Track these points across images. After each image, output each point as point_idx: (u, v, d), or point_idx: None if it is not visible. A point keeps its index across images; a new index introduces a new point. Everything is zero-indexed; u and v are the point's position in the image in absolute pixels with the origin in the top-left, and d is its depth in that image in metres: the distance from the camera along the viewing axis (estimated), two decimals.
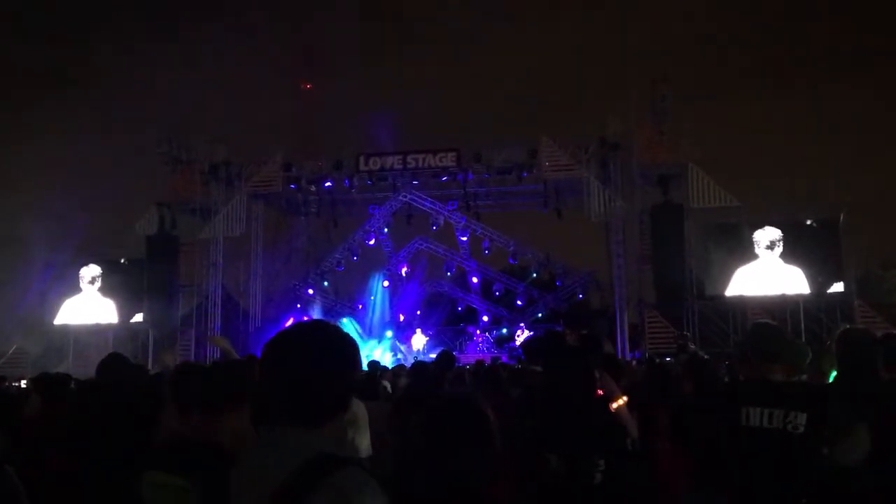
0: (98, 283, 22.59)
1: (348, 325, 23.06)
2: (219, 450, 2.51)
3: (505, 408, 4.51)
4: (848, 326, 4.43)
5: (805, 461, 3.20)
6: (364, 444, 4.89)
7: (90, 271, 22.66)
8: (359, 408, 4.96)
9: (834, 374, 4.72)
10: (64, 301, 22.61)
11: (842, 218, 19.58)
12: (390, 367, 12.34)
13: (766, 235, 19.44)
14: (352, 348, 1.90)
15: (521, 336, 23.66)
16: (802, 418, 3.22)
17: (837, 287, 19.05)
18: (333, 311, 24.24)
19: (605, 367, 4.64)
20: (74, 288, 22.67)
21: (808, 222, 19.72)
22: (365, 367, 8.72)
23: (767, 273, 19.34)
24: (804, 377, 4.44)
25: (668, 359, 13.21)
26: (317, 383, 1.80)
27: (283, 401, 1.80)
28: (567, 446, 3.91)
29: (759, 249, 19.49)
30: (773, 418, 3.27)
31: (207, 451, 2.47)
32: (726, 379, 6.62)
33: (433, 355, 14.03)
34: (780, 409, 3.27)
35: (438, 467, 1.90)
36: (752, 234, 19.55)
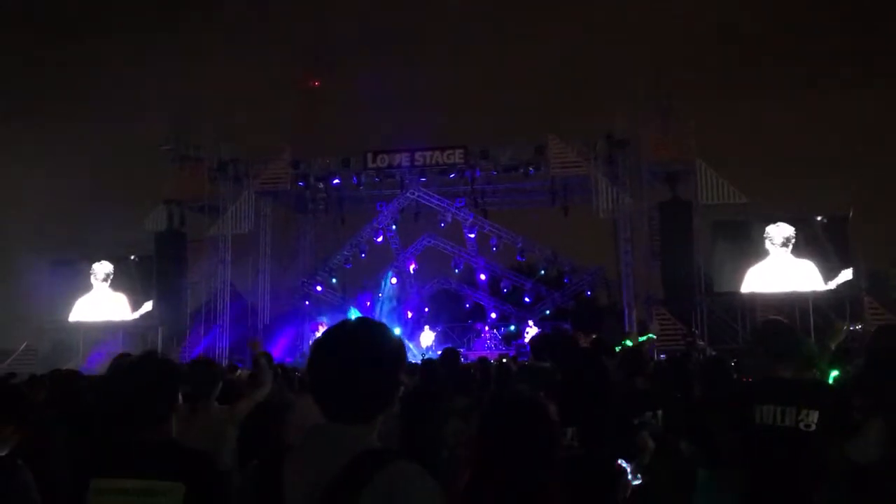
0: (110, 280, 22.70)
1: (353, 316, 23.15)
2: (201, 452, 2.52)
3: None
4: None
5: (817, 459, 3.19)
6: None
7: (103, 268, 22.75)
8: None
9: (833, 373, 4.67)
10: (76, 298, 22.71)
11: (850, 214, 19.50)
12: None
13: (780, 232, 19.33)
14: (399, 346, 1.94)
15: (529, 332, 23.62)
16: (814, 416, 3.21)
17: (846, 275, 18.92)
18: (342, 308, 24.28)
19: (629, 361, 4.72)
20: (85, 285, 22.77)
21: (819, 218, 19.63)
22: None
23: (778, 269, 19.26)
24: (816, 374, 4.40)
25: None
26: (366, 381, 1.84)
27: (334, 398, 1.85)
28: (582, 422, 4.01)
29: (772, 245, 19.38)
30: (786, 416, 3.26)
31: (193, 455, 2.47)
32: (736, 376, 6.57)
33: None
34: (793, 406, 3.26)
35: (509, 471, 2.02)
36: (762, 230, 19.47)
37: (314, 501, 1.72)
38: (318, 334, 1.91)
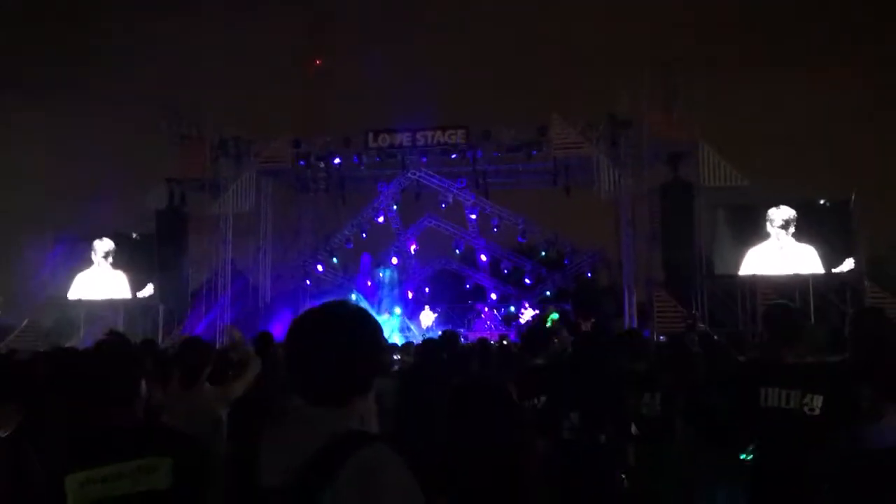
0: (111, 258, 22.68)
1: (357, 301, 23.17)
2: (177, 429, 2.55)
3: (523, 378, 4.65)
4: (861, 308, 4.41)
5: (821, 443, 3.20)
6: (372, 420, 4.94)
7: (104, 245, 22.69)
8: None
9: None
10: (76, 275, 22.70)
11: (853, 198, 19.44)
12: (400, 345, 12.37)
13: (781, 214, 19.27)
14: (376, 330, 1.92)
15: (525, 314, 23.68)
16: (819, 401, 3.22)
17: (848, 263, 18.92)
18: (343, 287, 24.32)
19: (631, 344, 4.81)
20: (86, 262, 22.77)
21: (822, 202, 19.56)
22: None
23: (779, 252, 19.22)
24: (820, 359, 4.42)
25: None
26: (342, 365, 1.81)
27: (309, 380, 1.83)
28: (585, 407, 4.10)
29: (773, 228, 19.32)
30: (791, 399, 3.27)
31: (171, 431, 2.50)
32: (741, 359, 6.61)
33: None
34: (797, 390, 3.27)
35: (470, 443, 2.15)
36: (763, 212, 19.42)
37: (288, 483, 1.72)
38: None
